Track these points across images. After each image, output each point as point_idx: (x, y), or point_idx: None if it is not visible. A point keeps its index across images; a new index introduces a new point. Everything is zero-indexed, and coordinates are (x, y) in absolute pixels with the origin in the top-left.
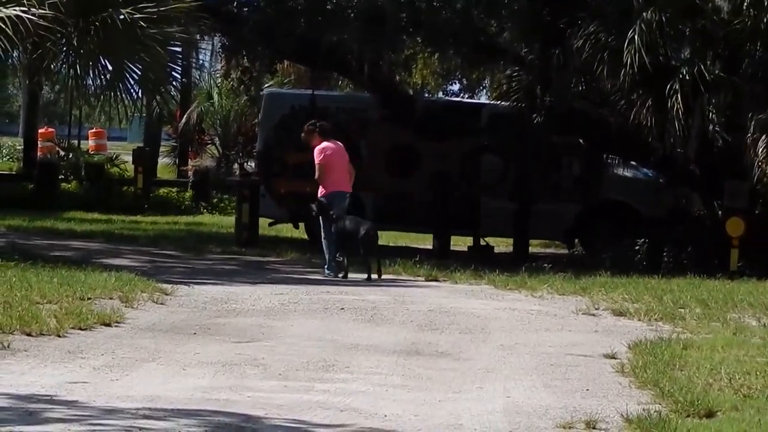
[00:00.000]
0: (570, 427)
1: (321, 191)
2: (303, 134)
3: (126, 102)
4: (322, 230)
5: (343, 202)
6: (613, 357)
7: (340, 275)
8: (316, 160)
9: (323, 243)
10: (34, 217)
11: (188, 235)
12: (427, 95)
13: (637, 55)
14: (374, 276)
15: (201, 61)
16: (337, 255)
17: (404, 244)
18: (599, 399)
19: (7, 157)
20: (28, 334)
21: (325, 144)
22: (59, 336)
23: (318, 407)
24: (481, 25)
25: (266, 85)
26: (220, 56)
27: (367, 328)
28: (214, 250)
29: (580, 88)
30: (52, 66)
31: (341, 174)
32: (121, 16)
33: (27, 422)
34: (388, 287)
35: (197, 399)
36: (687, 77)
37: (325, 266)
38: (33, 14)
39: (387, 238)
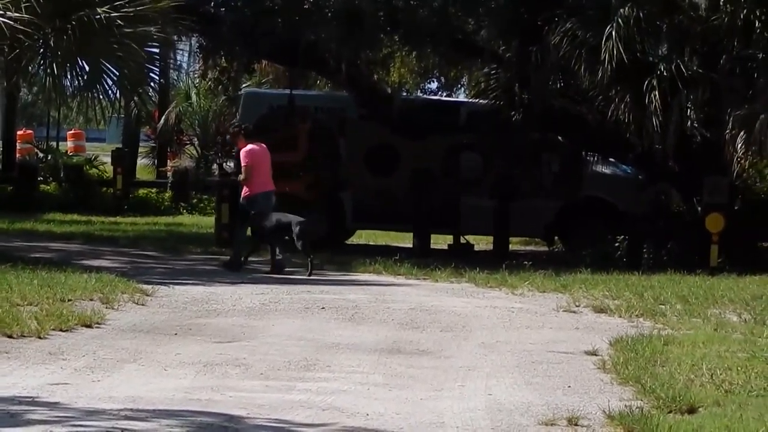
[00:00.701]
0: (552, 424)
1: (245, 192)
2: (229, 136)
3: (104, 103)
4: (237, 229)
5: (270, 201)
6: (594, 354)
7: (285, 271)
8: (243, 162)
9: (233, 241)
10: (14, 219)
11: (168, 235)
12: (405, 94)
13: (615, 51)
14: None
15: (179, 62)
16: (276, 252)
17: (384, 243)
18: (581, 396)
19: None
20: (9, 336)
21: (250, 146)
22: (40, 338)
23: (300, 406)
24: (459, 23)
25: (244, 85)
26: (198, 56)
27: (348, 327)
28: (193, 250)
29: (559, 85)
30: (29, 67)
31: (266, 174)
32: (98, 16)
33: (8, 424)
34: (368, 286)
35: (179, 399)
36: (665, 73)
37: (226, 263)
38: (9, 17)
39: (367, 236)
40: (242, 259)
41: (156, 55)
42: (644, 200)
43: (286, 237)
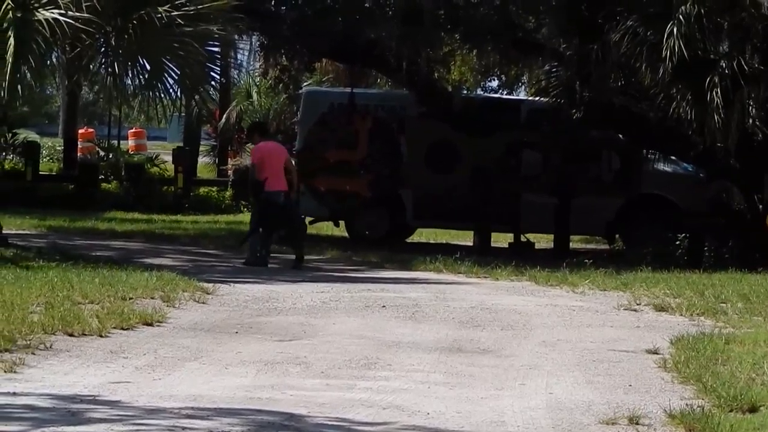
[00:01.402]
0: (613, 423)
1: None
2: (246, 133)
3: (165, 101)
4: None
5: (279, 200)
6: (655, 352)
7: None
8: (251, 159)
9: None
10: (75, 217)
11: (229, 233)
12: (465, 92)
13: (676, 48)
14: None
15: (239, 60)
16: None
17: (445, 241)
18: (642, 394)
19: (48, 157)
20: (71, 335)
21: (262, 143)
22: (101, 336)
23: (360, 405)
24: (519, 20)
25: (305, 84)
26: (259, 55)
27: (408, 326)
28: None
29: (619, 83)
30: (90, 66)
31: (276, 173)
32: (159, 15)
33: (70, 422)
34: (429, 284)
35: (240, 398)
36: (726, 70)
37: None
38: (70, 17)
39: (427, 235)
40: (261, 254)
41: (216, 54)
42: (705, 198)
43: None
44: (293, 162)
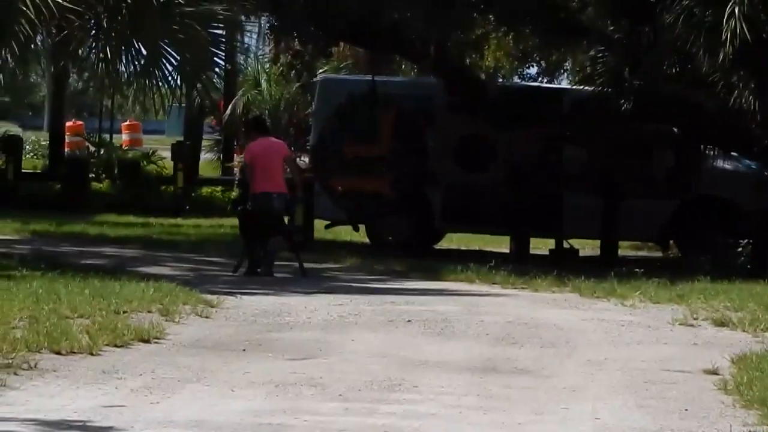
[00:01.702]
0: None
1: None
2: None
3: (163, 90)
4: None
5: (268, 203)
6: (714, 373)
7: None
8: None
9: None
10: (62, 220)
11: (235, 239)
12: (500, 80)
13: (737, 31)
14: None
15: (246, 44)
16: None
17: (477, 248)
18: (699, 420)
19: (32, 153)
20: (58, 353)
21: (252, 143)
22: (92, 354)
23: None
24: (562, 0)
25: (320, 71)
26: (268, 38)
27: (437, 342)
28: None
29: (673, 70)
30: (79, 51)
31: (264, 174)
32: None
33: None
34: (460, 296)
35: (248, 424)
36: None
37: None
38: None
39: (458, 240)
40: (255, 263)
41: (221, 37)
42: None
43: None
44: (297, 159)
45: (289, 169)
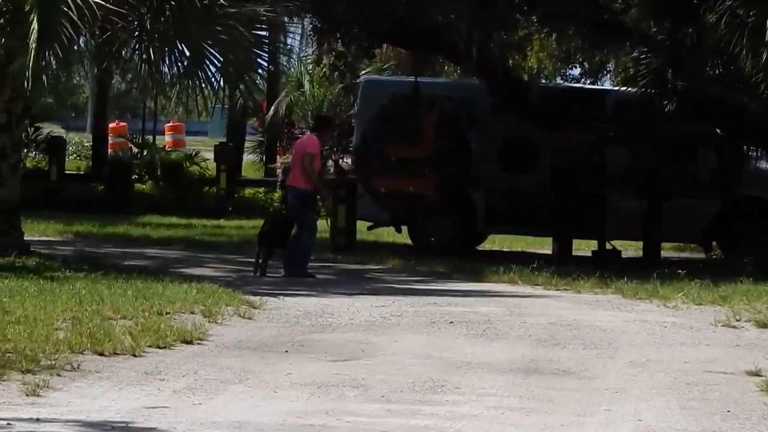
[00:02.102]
0: None
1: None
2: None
3: (206, 92)
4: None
5: (292, 198)
6: (757, 374)
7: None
8: None
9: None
10: (105, 221)
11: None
12: (544, 81)
13: None
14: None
15: (289, 46)
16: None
17: (520, 249)
18: (742, 422)
19: (75, 155)
20: (101, 354)
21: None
22: (135, 355)
23: None
24: (605, 1)
25: (363, 72)
26: (311, 39)
27: (479, 344)
28: None
29: (717, 71)
30: (122, 52)
31: (293, 169)
32: None
33: None
34: (502, 297)
35: (290, 425)
36: None
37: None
38: None
39: (501, 242)
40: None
41: (264, 39)
42: None
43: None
44: (312, 158)
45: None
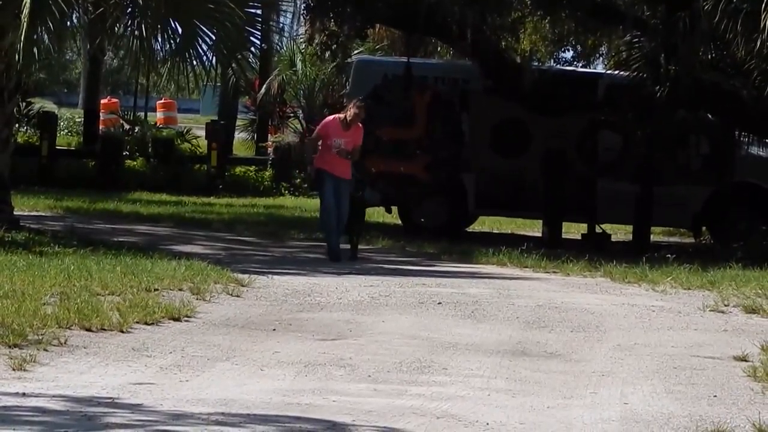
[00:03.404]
0: None
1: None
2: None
3: (198, 69)
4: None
5: None
6: (744, 359)
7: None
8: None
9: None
10: (96, 197)
11: (268, 219)
12: (536, 64)
13: None
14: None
15: (282, 24)
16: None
17: (510, 231)
18: (728, 406)
19: (66, 131)
20: (88, 329)
21: None
22: (122, 331)
23: (412, 413)
24: None
25: (356, 52)
26: (304, 18)
27: (467, 325)
28: (296, 236)
29: (710, 57)
30: (115, 28)
31: None
32: None
33: (85, 428)
34: (491, 279)
35: (276, 403)
36: None
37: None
38: None
39: (491, 224)
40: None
41: (257, 17)
42: None
43: None
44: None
45: None
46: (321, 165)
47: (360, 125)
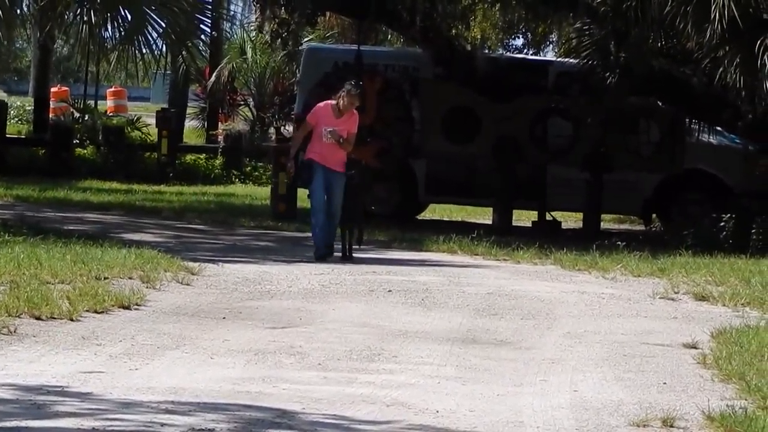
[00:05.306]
0: (645, 425)
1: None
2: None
3: (147, 57)
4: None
5: None
6: (693, 347)
7: None
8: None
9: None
10: (46, 186)
11: (218, 207)
12: (487, 51)
13: (725, 7)
14: None
15: (232, 12)
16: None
17: (460, 219)
18: (678, 394)
19: (16, 119)
20: (38, 318)
21: None
22: (72, 320)
23: (362, 401)
24: None
25: (306, 40)
26: (254, 6)
27: (417, 313)
28: (246, 224)
29: (660, 44)
30: (65, 16)
31: None
32: None
33: (35, 416)
34: (441, 267)
35: (226, 391)
36: None
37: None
38: None
39: (441, 211)
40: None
41: (207, 4)
42: (754, 174)
43: None
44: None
45: None
46: (311, 156)
47: (355, 112)
